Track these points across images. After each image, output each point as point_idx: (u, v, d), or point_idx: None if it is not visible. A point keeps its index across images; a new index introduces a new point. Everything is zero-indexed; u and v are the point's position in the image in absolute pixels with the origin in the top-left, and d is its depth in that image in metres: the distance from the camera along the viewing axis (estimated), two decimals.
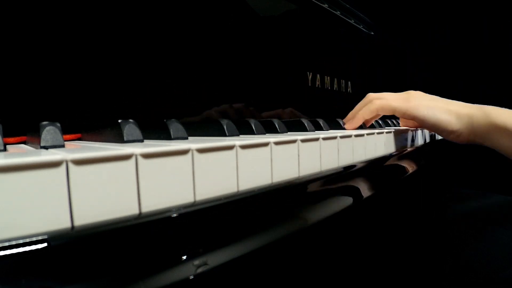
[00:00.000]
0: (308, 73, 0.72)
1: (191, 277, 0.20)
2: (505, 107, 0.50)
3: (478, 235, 0.70)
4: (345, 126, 0.55)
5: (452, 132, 0.50)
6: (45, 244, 0.15)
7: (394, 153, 0.57)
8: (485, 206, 0.83)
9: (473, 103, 0.53)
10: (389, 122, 0.85)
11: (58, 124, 0.26)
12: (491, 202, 0.85)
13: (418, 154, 0.72)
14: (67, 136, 0.34)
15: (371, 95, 0.56)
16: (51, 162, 0.16)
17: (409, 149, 0.65)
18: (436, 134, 0.74)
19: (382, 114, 0.54)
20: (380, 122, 0.82)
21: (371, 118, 0.56)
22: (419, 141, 0.73)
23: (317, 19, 0.78)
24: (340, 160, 0.38)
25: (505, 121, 0.46)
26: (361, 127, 0.56)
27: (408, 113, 0.52)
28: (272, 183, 0.28)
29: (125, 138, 0.27)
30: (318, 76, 0.76)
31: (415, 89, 0.57)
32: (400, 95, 0.55)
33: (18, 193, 0.15)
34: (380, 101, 0.53)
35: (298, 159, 0.31)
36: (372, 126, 0.77)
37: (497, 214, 0.79)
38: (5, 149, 0.24)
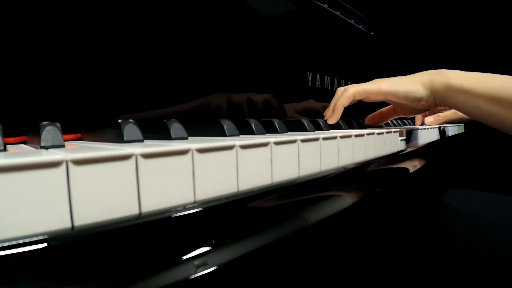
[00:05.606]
0: (308, 73, 0.72)
1: (191, 277, 0.20)
2: None
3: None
4: (328, 120, 0.58)
5: (421, 98, 0.56)
6: (45, 244, 0.15)
7: (396, 153, 0.57)
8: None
9: None
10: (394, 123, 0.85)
11: (58, 124, 0.26)
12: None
13: (424, 151, 0.72)
14: (67, 136, 0.34)
15: (341, 88, 0.61)
16: (51, 162, 0.16)
17: (409, 150, 0.65)
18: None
19: (358, 98, 0.59)
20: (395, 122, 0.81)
21: (349, 104, 0.60)
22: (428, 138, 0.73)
23: (317, 19, 0.78)
24: (340, 160, 0.38)
25: (461, 82, 0.53)
26: (359, 126, 0.56)
27: (381, 92, 0.57)
28: (272, 183, 0.28)
29: (125, 138, 0.27)
30: (318, 76, 0.76)
31: None
32: (369, 82, 0.61)
33: (18, 193, 0.15)
34: (353, 87, 0.58)
35: (298, 159, 0.31)
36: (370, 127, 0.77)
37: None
38: (5, 149, 0.24)
